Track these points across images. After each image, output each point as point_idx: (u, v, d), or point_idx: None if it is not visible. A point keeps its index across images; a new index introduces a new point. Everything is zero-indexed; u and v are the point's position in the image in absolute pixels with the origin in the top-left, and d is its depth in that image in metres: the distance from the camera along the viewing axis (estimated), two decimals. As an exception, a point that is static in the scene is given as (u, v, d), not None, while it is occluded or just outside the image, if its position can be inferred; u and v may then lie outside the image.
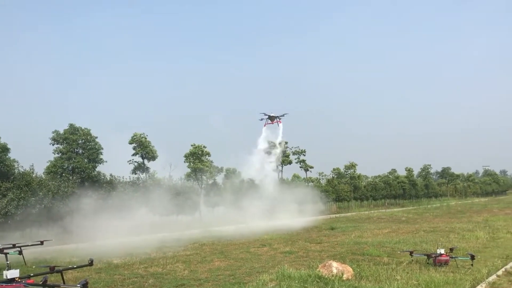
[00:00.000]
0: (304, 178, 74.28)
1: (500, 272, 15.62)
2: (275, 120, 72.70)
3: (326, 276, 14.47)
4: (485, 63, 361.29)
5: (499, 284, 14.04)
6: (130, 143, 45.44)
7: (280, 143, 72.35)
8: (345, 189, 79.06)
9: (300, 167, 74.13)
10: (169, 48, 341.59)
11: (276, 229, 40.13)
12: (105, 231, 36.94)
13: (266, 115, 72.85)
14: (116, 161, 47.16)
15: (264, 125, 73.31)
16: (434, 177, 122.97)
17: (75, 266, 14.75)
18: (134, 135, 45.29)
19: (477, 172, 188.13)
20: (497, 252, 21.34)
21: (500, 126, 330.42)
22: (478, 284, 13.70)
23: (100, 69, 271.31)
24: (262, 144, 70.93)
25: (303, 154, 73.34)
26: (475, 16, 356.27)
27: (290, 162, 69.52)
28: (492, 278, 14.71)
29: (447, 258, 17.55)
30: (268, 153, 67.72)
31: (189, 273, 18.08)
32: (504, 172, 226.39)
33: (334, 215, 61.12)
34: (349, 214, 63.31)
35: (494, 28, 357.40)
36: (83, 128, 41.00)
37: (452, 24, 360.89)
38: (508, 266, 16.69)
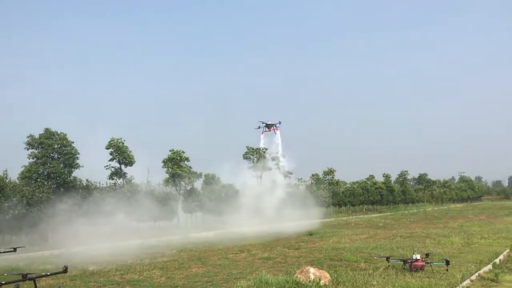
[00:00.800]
0: (283, 184, 74.39)
1: (473, 277, 15.87)
2: (272, 128, 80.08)
3: (303, 282, 14.47)
4: (459, 73, 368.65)
5: (473, 288, 14.27)
6: (107, 148, 44.82)
7: (279, 154, 76.64)
8: (324, 195, 79.47)
9: (279, 173, 74.26)
10: (149, 52, 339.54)
11: (256, 235, 40.10)
12: (81, 237, 36.33)
13: (264, 123, 79.13)
14: (92, 166, 46.54)
15: (262, 133, 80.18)
16: (411, 183, 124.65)
17: (48, 274, 14.33)
18: (111, 140, 44.70)
19: (453, 179, 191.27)
20: (472, 257, 21.69)
21: (476, 134, 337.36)
22: (452, 288, 13.90)
23: (78, 71, 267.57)
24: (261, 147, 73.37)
25: (282, 160, 73.58)
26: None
27: (269, 168, 69.60)
28: (466, 283, 14.93)
29: (423, 263, 17.76)
30: (248, 158, 67.75)
31: (166, 279, 17.90)
32: (479, 178, 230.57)
33: (319, 220, 61.26)
34: (327, 219, 63.55)
35: (467, 37, 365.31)
36: (59, 132, 40.33)
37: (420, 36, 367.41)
38: (481, 271, 16.96)
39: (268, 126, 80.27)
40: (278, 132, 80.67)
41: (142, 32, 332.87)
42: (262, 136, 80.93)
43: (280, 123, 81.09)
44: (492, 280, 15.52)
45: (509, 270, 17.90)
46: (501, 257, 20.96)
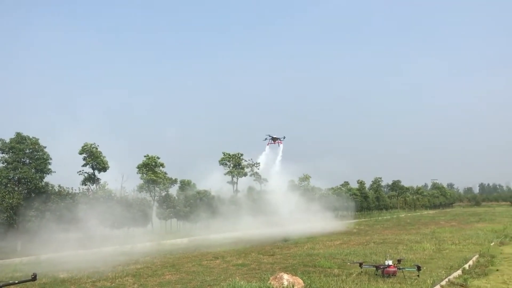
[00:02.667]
0: (258, 190, 74.41)
1: (443, 283, 16.17)
2: (277, 141, 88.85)
3: (277, 289, 14.52)
4: (434, 83, 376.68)
5: (443, 294, 14.54)
6: (80, 153, 44.04)
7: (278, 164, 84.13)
8: (300, 201, 79.62)
9: (254, 179, 74.29)
10: (123, 53, 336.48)
11: (231, 241, 40.02)
12: (52, 244, 35.64)
13: (270, 136, 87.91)
14: (65, 172, 45.70)
15: (267, 144, 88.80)
16: (385, 189, 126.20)
17: (16, 282, 14.03)
18: (85, 145, 43.95)
19: (425, 185, 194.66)
20: (442, 263, 22.09)
21: (448, 142, 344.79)
22: (423, 294, 14.12)
23: (47, 72, 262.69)
24: (263, 159, 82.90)
25: (257, 167, 73.61)
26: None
27: (245, 174, 69.48)
28: (436, 288, 15.22)
29: (395, 269, 18.01)
30: (224, 164, 67.57)
31: (138, 287, 17.73)
32: (451, 185, 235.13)
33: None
34: (304, 226, 63.65)
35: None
36: (31, 137, 39.48)
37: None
38: (451, 277, 17.30)
39: (274, 139, 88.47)
40: (281, 145, 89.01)
41: (119, 37, 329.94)
42: (267, 147, 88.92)
43: (284, 137, 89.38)
44: (461, 286, 15.86)
45: (477, 275, 18.30)
46: (470, 262, 21.42)
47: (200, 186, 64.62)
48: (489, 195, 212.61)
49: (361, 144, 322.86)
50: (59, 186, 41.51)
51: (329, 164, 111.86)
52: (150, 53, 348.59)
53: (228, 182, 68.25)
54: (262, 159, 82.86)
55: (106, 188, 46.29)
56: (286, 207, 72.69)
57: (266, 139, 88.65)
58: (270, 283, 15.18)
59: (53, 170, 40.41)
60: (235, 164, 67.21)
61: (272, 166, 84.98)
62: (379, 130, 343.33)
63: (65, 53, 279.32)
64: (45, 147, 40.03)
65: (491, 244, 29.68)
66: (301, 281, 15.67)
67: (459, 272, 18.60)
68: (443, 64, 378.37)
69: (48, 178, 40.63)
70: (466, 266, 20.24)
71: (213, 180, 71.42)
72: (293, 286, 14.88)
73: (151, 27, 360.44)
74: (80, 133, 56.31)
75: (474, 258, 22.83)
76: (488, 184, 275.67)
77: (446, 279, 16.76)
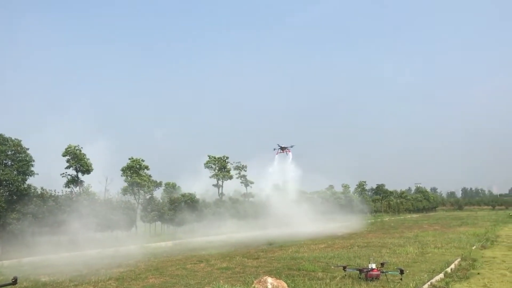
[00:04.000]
0: (244, 193, 74.41)
1: (426, 286, 16.34)
2: (285, 150, 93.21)
3: (260, 292, 14.51)
4: (416, 88, 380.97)
5: (425, 297, 14.68)
6: (64, 155, 43.54)
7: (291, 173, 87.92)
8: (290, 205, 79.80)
9: (241, 182, 74.24)
10: (110, 53, 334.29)
11: (216, 244, 39.91)
12: (34, 247, 35.20)
13: (279, 146, 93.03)
14: (48, 174, 45.14)
15: (276, 153, 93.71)
16: (369, 193, 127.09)
17: (-4, 285, 13.89)
18: (68, 147, 43.47)
19: (409, 189, 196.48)
20: (425, 266, 22.32)
21: (431, 147, 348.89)
22: (405, 297, 14.24)
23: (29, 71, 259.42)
24: (274, 168, 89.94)
25: (244, 170, 73.56)
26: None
27: (230, 177, 69.35)
28: (419, 291, 15.36)
29: (378, 272, 18.13)
30: (209, 167, 67.41)
31: (121, 290, 17.55)
32: (434, 189, 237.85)
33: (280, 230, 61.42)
34: (289, 229, 63.68)
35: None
36: (13, 138, 38.91)
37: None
38: (433, 280, 17.48)
39: (282, 148, 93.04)
40: (290, 154, 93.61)
41: (107, 38, 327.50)
42: (276, 156, 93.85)
43: (292, 146, 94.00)
44: (443, 289, 16.03)
45: (459, 278, 18.52)
46: (452, 266, 21.67)
47: (185, 189, 64.44)
48: (472, 199, 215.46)
49: (346, 148, 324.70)
50: (41, 188, 40.96)
51: (314, 167, 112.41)
52: (140, 52, 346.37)
53: (213, 185, 68.11)
54: (273, 168, 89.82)
55: (89, 190, 45.84)
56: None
57: (275, 148, 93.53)
58: (254, 287, 15.18)
59: (36, 172, 39.92)
60: (220, 167, 67.04)
61: (284, 174, 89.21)
62: (364, 134, 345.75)
63: (52, 53, 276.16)
64: (27, 149, 39.50)
65: (473, 248, 30.04)
66: (285, 285, 15.70)
67: (441, 275, 18.80)
68: (427, 69, 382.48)
69: (30, 180, 40.12)
70: (448, 269, 20.46)
71: (199, 183, 71.35)
72: (277, 289, 14.90)
73: (146, 28, 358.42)
74: (65, 135, 55.81)
75: (456, 262, 23.09)
76: (471, 189, 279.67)
77: (428, 283, 16.94)
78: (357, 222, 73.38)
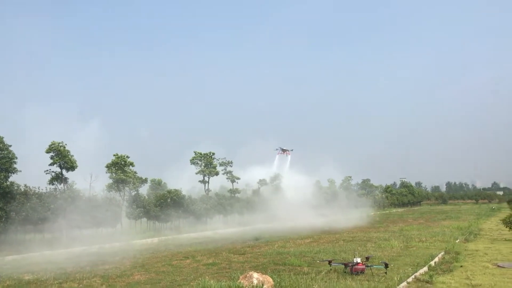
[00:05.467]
0: (230, 189, 74.34)
1: (410, 279, 16.50)
2: (286, 152, 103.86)
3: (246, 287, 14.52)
4: (402, 83, 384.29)
5: (409, 290, 14.83)
6: (48, 152, 42.97)
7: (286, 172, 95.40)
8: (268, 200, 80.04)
9: (227, 178, 74.14)
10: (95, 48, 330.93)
11: (202, 241, 39.87)
12: (18, 245, 34.78)
13: (281, 148, 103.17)
14: (31, 171, 44.54)
15: (278, 154, 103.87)
16: (354, 188, 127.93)
17: (-22, 284, 13.70)
18: (52, 144, 42.90)
19: (394, 184, 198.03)
20: (409, 260, 22.54)
21: (416, 142, 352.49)
22: (390, 291, 14.37)
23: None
24: (274, 167, 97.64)
25: (230, 165, 73.45)
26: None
27: (217, 173, 69.16)
28: (403, 285, 15.50)
29: (363, 266, 18.27)
30: (195, 164, 67.16)
31: (106, 288, 17.41)
32: (419, 184, 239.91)
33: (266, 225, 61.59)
34: (275, 224, 63.86)
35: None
36: (-6, 135, 38.31)
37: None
38: (417, 273, 17.66)
39: (283, 150, 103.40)
40: (289, 156, 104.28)
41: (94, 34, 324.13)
42: (277, 157, 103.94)
43: (292, 150, 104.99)
44: (427, 282, 16.20)
45: (443, 271, 18.75)
46: (436, 259, 21.92)
47: (172, 186, 64.19)
48: (456, 194, 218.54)
49: (332, 143, 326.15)
50: (25, 185, 40.43)
51: (301, 162, 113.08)
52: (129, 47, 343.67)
53: (199, 181, 67.91)
54: (274, 167, 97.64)
55: (74, 187, 45.36)
56: (257, 206, 73.30)
57: (277, 149, 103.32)
58: (240, 282, 15.17)
59: (18, 169, 39.39)
60: (206, 163, 66.84)
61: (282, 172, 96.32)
62: (350, 130, 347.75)
63: (38, 49, 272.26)
64: (10, 146, 38.95)
65: (456, 241, 30.44)
66: (270, 280, 15.72)
67: (425, 269, 19.01)
68: (413, 66, 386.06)
69: (13, 178, 39.56)
70: (432, 263, 20.70)
71: (185, 179, 71.22)
72: (262, 284, 14.91)
73: (139, 25, 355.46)
74: (49, 131, 55.18)
75: (440, 255, 23.37)
76: (455, 183, 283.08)
77: (413, 276, 17.11)
78: (346, 216, 73.82)
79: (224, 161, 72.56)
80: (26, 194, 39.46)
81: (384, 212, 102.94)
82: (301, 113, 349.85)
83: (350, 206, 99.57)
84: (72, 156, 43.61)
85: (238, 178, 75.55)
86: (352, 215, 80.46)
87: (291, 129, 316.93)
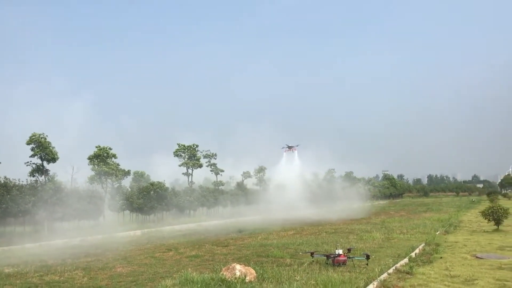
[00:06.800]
0: (214, 182, 74.32)
1: (391, 271, 16.70)
2: (292, 148, 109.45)
3: (229, 279, 14.54)
4: (385, 75, 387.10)
5: (389, 281, 15.01)
6: (28, 144, 42.36)
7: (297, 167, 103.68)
8: (255, 192, 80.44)
9: (211, 170, 74.08)
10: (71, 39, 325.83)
11: (185, 233, 39.82)
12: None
13: (287, 145, 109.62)
14: (11, 163, 43.92)
15: (285, 151, 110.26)
16: (338, 181, 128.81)
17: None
18: (33, 135, 42.29)
19: (377, 177, 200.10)
20: (390, 251, 22.80)
21: (398, 135, 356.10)
22: (370, 282, 14.51)
23: None
24: (282, 164, 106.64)
25: (214, 158, 73.37)
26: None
27: (200, 166, 69.03)
28: (384, 276, 15.68)
29: (345, 258, 18.42)
30: (179, 156, 66.92)
31: (88, 280, 17.28)
32: (401, 176, 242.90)
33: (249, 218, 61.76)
34: (258, 217, 64.17)
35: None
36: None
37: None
38: (398, 265, 17.89)
39: (289, 147, 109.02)
40: (296, 152, 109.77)
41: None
42: (284, 154, 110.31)
43: (298, 145, 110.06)
44: (407, 273, 16.42)
45: (423, 263, 19.01)
46: (416, 251, 22.23)
47: (155, 178, 63.89)
48: (437, 186, 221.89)
49: (318, 136, 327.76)
50: (5, 177, 39.84)
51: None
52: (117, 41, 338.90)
53: (183, 173, 67.75)
54: (281, 164, 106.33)
55: (55, 179, 44.86)
56: (241, 198, 73.59)
57: (283, 147, 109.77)
58: (222, 274, 15.18)
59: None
60: (190, 156, 66.64)
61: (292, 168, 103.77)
62: (334, 122, 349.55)
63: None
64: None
65: (437, 233, 30.87)
66: (253, 271, 15.77)
67: (406, 260, 19.25)
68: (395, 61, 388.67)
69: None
70: (413, 254, 20.97)
71: (169, 172, 71.00)
72: (245, 276, 14.95)
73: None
74: (30, 123, 54.44)
75: (420, 247, 23.69)
76: (436, 176, 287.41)
77: (393, 267, 17.32)
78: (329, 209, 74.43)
79: (208, 153, 72.48)
80: (6, 186, 38.90)
81: (367, 204, 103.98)
82: (283, 107, 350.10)
83: (334, 199, 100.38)
84: (53, 147, 43.08)
85: (222, 171, 75.62)
86: (335, 208, 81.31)
87: (286, 123, 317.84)
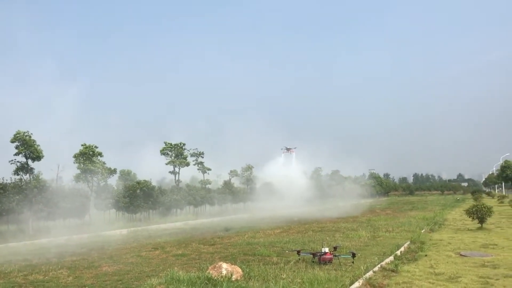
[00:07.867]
0: (201, 180, 74.15)
1: (376, 268, 16.83)
2: (290, 150, 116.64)
3: (215, 278, 14.52)
4: (375, 75, 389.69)
5: (375, 279, 15.12)
6: (12, 142, 41.83)
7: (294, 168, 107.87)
8: (242, 191, 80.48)
9: (198, 169, 73.88)
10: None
11: (172, 232, 39.67)
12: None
13: (285, 147, 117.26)
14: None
15: (283, 152, 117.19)
16: (325, 179, 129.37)
17: None
18: (17, 133, 41.78)
19: (363, 175, 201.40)
20: (376, 249, 22.96)
21: (385, 135, 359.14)
22: (356, 280, 14.61)
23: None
24: (278, 164, 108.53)
25: (202, 156, 73.15)
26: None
27: (187, 164, 68.79)
28: (369, 274, 15.79)
29: (331, 256, 18.53)
30: (166, 154, 66.64)
31: (73, 279, 17.14)
32: (387, 175, 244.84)
33: (235, 216, 61.77)
34: (246, 215, 64.19)
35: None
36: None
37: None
38: (383, 263, 18.03)
39: (288, 149, 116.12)
40: (293, 153, 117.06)
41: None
42: (283, 155, 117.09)
43: (295, 148, 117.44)
44: (392, 271, 16.56)
45: (408, 260, 19.19)
46: (402, 249, 22.41)
47: (142, 176, 63.56)
48: (422, 185, 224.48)
49: (306, 135, 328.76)
50: (-12, 176, 39.38)
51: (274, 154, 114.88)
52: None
53: (170, 172, 67.48)
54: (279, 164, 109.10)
55: (40, 178, 44.38)
56: (228, 197, 73.61)
57: (282, 148, 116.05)
58: (208, 273, 15.16)
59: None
60: (177, 154, 66.38)
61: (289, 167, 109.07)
62: (318, 122, 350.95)
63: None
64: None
65: (422, 231, 31.14)
66: (239, 270, 15.78)
67: (391, 258, 19.41)
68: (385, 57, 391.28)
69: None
70: (398, 252, 21.15)
71: (156, 170, 70.68)
72: (231, 275, 14.95)
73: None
74: (16, 121, 53.85)
75: (405, 245, 23.89)
76: (422, 174, 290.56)
77: (379, 265, 17.45)
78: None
79: (196, 151, 72.27)
80: (-11, 184, 38.45)
81: (353, 202, 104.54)
82: (269, 103, 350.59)
83: (321, 197, 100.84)
84: (38, 145, 42.60)
85: (209, 169, 75.44)
86: (322, 206, 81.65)
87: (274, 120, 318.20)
